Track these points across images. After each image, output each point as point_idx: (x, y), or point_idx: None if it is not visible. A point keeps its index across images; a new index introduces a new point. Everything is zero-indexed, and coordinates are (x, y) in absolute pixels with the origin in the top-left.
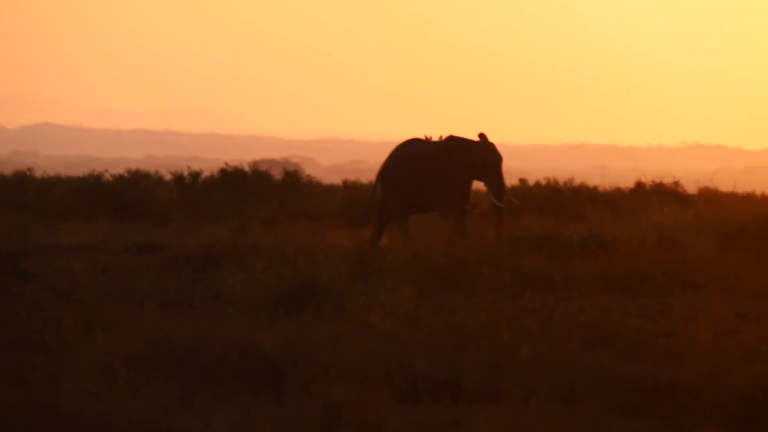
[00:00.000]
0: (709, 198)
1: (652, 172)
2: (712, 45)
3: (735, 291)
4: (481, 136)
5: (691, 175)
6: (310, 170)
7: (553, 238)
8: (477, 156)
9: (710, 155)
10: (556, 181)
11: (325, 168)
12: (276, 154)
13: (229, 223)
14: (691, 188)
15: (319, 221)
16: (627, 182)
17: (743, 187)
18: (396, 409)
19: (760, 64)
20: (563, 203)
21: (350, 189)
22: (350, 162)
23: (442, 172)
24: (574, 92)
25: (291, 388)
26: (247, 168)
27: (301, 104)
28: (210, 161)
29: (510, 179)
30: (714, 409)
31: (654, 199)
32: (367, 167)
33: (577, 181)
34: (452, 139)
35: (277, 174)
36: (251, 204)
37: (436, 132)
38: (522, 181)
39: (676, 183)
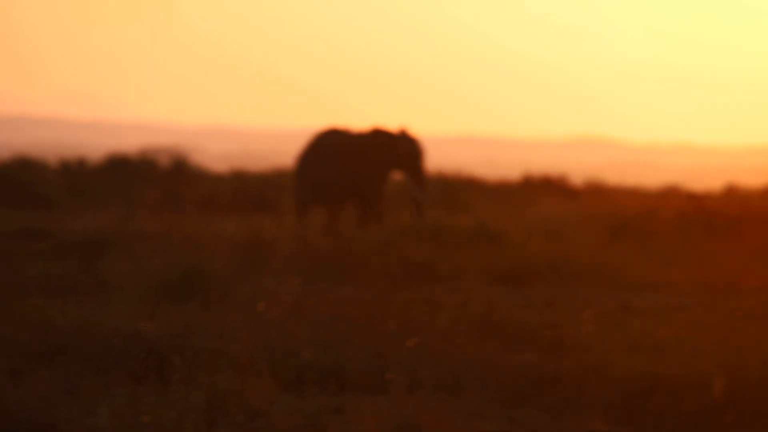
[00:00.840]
0: (595, 191)
1: (540, 165)
2: (600, 37)
3: (619, 284)
4: (402, 129)
5: (578, 168)
6: (197, 158)
7: (440, 229)
8: (402, 148)
9: (597, 148)
10: (443, 172)
11: (213, 156)
12: (163, 142)
13: (115, 210)
14: (577, 181)
15: (206, 209)
16: (515, 175)
17: (629, 181)
18: (281, 397)
19: (648, 56)
20: (451, 195)
21: (238, 177)
22: (238, 150)
23: (367, 164)
24: (463, 83)
25: (175, 376)
26: (134, 155)
27: (189, 92)
28: (96, 148)
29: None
30: (597, 400)
31: (541, 192)
32: (256, 156)
33: (465, 173)
34: (377, 131)
35: (164, 161)
36: (138, 191)
37: (323, 121)
38: None
39: (562, 176)
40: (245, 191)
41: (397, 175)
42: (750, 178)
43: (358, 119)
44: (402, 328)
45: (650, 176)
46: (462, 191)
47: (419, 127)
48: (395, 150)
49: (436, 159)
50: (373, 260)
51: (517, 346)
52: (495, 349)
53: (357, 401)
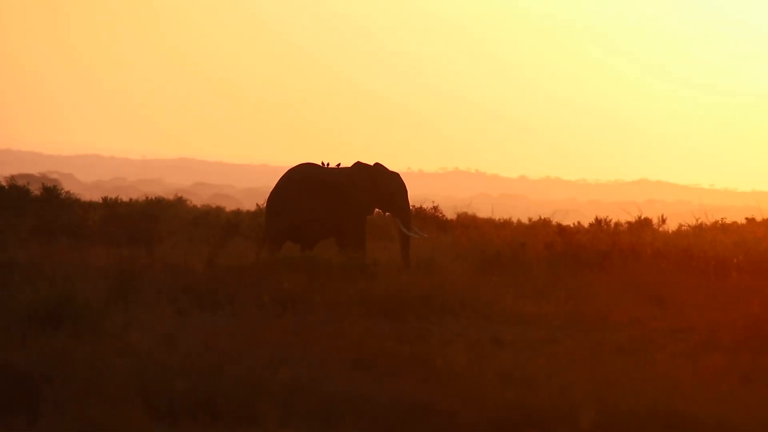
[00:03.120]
0: (467, 223)
1: (413, 195)
2: (470, 73)
3: (491, 316)
4: (379, 165)
5: (449, 200)
6: (69, 186)
7: (313, 260)
8: (385, 185)
9: (469, 181)
10: None
11: (85, 184)
12: (34, 169)
13: None
14: (449, 213)
15: (77, 238)
16: None
17: (500, 213)
18: (153, 428)
19: (517, 90)
20: None
21: (110, 206)
22: (111, 179)
23: (348, 201)
24: (337, 115)
25: (46, 406)
26: (3, 182)
27: (61, 119)
28: None
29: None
30: (468, 431)
31: (414, 223)
32: (128, 185)
33: None
34: (359, 167)
35: (35, 189)
36: (7, 219)
37: (199, 151)
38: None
39: (435, 207)
40: (117, 220)
41: (378, 211)
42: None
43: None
44: (275, 359)
45: (521, 209)
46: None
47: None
48: (377, 187)
49: None
50: (247, 291)
51: (390, 377)
52: (368, 381)
53: None
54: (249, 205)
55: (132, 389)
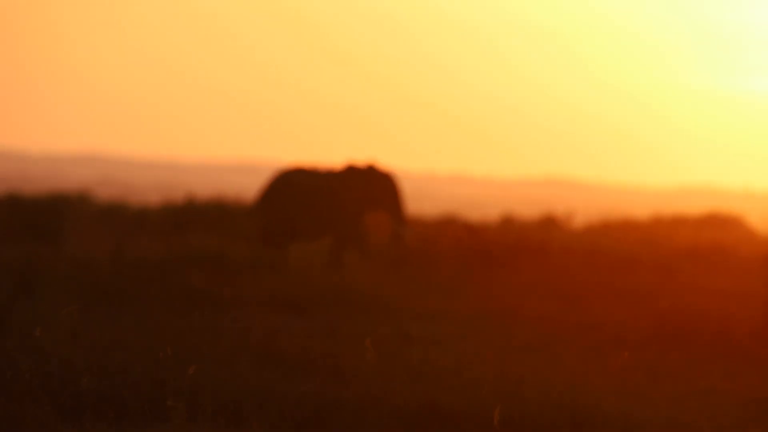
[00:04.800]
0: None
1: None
2: (376, 63)
3: (400, 313)
4: (372, 166)
5: None
6: None
7: (222, 256)
8: (380, 186)
9: None
10: (222, 199)
11: None
12: None
13: None
14: None
15: None
16: None
17: (407, 209)
18: (59, 425)
19: (423, 85)
20: (232, 222)
21: (13, 201)
22: (15, 173)
23: (343, 203)
24: (251, 109)
25: None
26: None
27: None
28: None
29: (178, 195)
30: (377, 428)
31: None
32: (30, 178)
33: (246, 199)
34: (353, 169)
35: None
36: None
37: (105, 145)
38: (189, 197)
39: None
40: (21, 216)
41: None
42: (525, 210)
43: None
44: (182, 356)
45: (428, 205)
46: (241, 217)
47: (200, 153)
48: (372, 188)
49: (217, 185)
50: (154, 286)
51: (298, 374)
52: (276, 377)
53: (137, 429)
54: (154, 200)
55: (37, 386)
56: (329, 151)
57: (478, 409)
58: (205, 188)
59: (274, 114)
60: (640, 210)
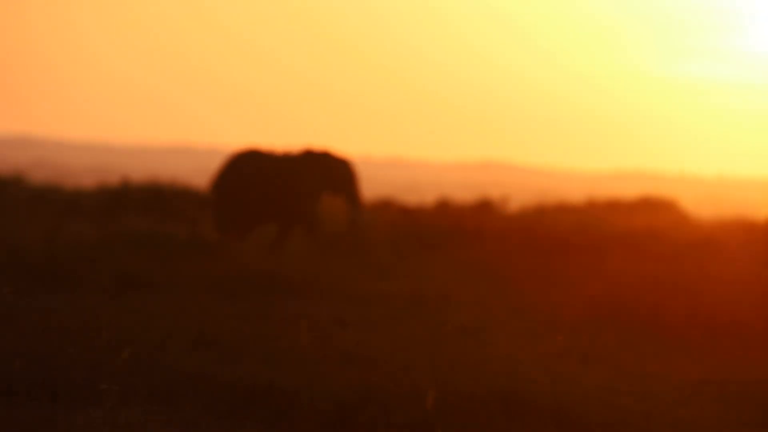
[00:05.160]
0: None
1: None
2: (302, 47)
3: (333, 296)
4: (328, 151)
5: None
6: None
7: (155, 237)
8: (337, 171)
9: None
10: (157, 182)
11: None
12: None
13: None
14: None
15: None
16: None
17: None
18: None
19: (363, 69)
20: (166, 204)
21: None
22: None
23: (301, 187)
24: (186, 91)
25: None
26: None
27: None
28: None
29: (113, 178)
30: (311, 412)
31: None
32: None
33: (181, 182)
34: (310, 154)
35: None
36: None
37: (39, 127)
38: (124, 180)
39: None
40: None
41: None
42: (461, 193)
43: (69, 125)
44: (115, 339)
45: (364, 189)
46: (176, 199)
47: (136, 136)
48: (330, 173)
49: (152, 168)
50: (86, 268)
51: (231, 357)
52: (209, 361)
53: (69, 413)
54: (89, 183)
55: None
56: (262, 134)
57: (411, 393)
58: (139, 171)
59: (206, 97)
60: (575, 194)
